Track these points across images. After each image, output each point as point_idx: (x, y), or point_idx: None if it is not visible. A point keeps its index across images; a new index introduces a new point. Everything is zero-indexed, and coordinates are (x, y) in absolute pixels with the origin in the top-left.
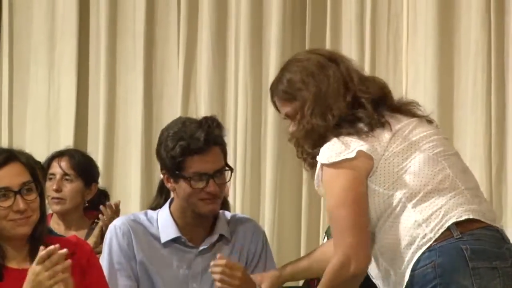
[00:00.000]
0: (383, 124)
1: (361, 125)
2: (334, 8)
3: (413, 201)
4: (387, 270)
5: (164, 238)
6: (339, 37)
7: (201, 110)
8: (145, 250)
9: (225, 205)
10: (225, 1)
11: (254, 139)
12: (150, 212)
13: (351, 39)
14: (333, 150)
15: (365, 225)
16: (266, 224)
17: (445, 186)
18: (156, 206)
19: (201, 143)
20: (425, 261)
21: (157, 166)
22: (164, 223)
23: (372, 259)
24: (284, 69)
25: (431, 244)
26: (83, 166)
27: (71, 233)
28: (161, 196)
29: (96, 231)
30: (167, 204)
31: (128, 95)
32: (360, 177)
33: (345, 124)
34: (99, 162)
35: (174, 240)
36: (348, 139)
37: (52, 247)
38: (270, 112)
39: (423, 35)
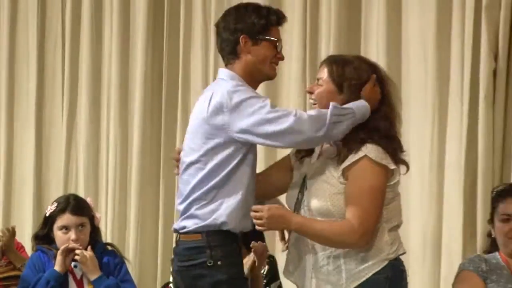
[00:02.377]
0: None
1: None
2: (184, 75)
3: (388, 226)
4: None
5: None
6: (188, 101)
7: (80, 155)
8: None
9: (97, 232)
10: (99, 70)
11: (122, 179)
12: None
13: (196, 99)
14: (381, 153)
15: (378, 221)
16: (131, 248)
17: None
18: (39, 234)
19: (285, 19)
20: (382, 273)
21: (46, 202)
22: None
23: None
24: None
25: (389, 261)
26: None
27: None
28: (45, 227)
29: None
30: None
31: (23, 148)
32: (385, 185)
33: (395, 141)
34: (0, 198)
35: None
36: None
37: None
38: (134, 158)
39: None
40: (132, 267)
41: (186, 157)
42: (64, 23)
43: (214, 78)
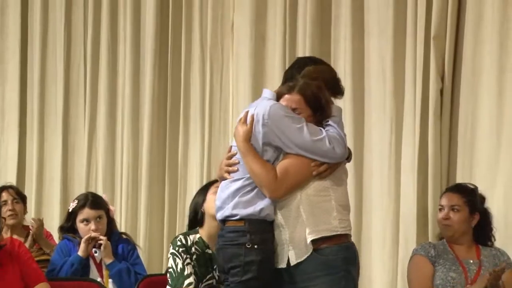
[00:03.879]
0: None
1: None
2: (185, 93)
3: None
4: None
5: None
6: (188, 115)
7: (99, 159)
8: None
9: (113, 223)
10: (115, 90)
11: (133, 179)
12: None
13: (196, 113)
14: None
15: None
16: (141, 236)
17: None
18: (64, 226)
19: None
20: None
21: (71, 198)
22: None
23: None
24: None
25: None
26: (23, 195)
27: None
28: (69, 221)
29: (29, 238)
30: None
31: (52, 152)
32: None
33: None
34: (33, 195)
35: None
36: None
37: None
38: (144, 161)
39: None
40: (142, 252)
41: None
42: (86, 49)
43: (210, 98)
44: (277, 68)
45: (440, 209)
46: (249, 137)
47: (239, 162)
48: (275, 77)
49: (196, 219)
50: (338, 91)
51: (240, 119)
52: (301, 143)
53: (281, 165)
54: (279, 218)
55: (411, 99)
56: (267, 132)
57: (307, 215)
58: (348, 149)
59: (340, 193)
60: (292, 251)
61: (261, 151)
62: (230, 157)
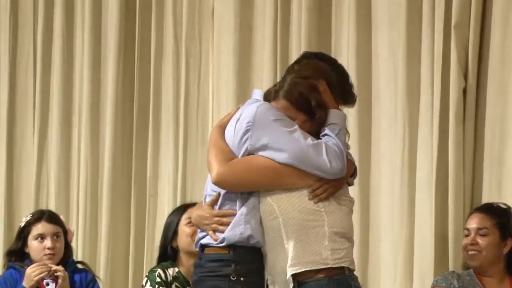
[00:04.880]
0: None
1: None
2: (155, 94)
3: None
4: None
5: None
6: (159, 119)
7: (51, 174)
8: None
9: (69, 250)
10: (71, 90)
11: (92, 197)
12: None
13: (168, 117)
14: None
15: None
16: (102, 266)
17: None
18: (13, 249)
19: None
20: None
21: (16, 221)
22: None
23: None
24: None
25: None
26: None
27: None
28: (19, 241)
29: None
30: None
31: None
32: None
33: None
34: None
35: None
36: None
37: None
38: (105, 176)
39: (224, 115)
40: (103, 285)
41: None
42: (36, 43)
43: (185, 100)
44: (267, 64)
45: (465, 235)
46: (223, 124)
47: (235, 213)
48: (263, 75)
49: (166, 256)
50: (346, 98)
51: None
52: (290, 148)
53: (247, 156)
54: (263, 242)
55: (427, 101)
56: (252, 140)
57: (291, 241)
58: (354, 165)
59: (338, 218)
60: (272, 286)
61: None
62: (214, 203)
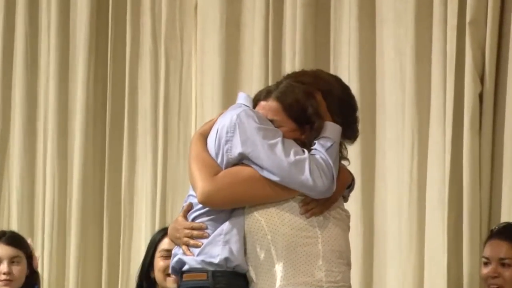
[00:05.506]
0: None
1: None
2: (131, 99)
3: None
4: None
5: None
6: (135, 127)
7: (13, 190)
8: None
9: (35, 277)
10: (35, 94)
11: (60, 216)
12: None
13: (146, 125)
14: None
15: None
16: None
17: None
18: None
19: None
20: None
21: None
22: None
23: None
24: None
25: None
26: None
27: None
28: None
29: None
30: None
31: None
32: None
33: None
34: None
35: None
36: None
37: None
38: (74, 192)
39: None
40: None
41: None
42: None
43: (165, 106)
44: (257, 66)
45: (484, 263)
46: (205, 132)
47: (206, 227)
48: (253, 78)
49: None
50: (346, 128)
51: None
52: (270, 165)
53: (232, 168)
54: (249, 265)
55: (439, 106)
56: (231, 152)
57: (280, 261)
58: (351, 175)
59: (333, 235)
60: None
61: None
62: (187, 212)
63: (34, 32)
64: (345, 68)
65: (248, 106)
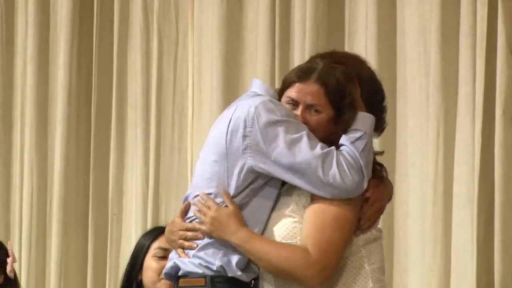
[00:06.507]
0: None
1: None
2: (119, 85)
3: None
4: None
5: None
6: (125, 117)
7: None
8: None
9: (9, 285)
10: (11, 81)
11: (40, 216)
12: None
13: (136, 115)
14: None
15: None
16: None
17: None
18: None
19: None
20: None
21: None
22: None
23: None
24: None
25: None
26: None
27: None
28: None
29: None
30: None
31: None
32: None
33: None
34: None
35: None
36: None
37: None
38: (56, 190)
39: (208, 112)
40: None
41: None
42: None
43: (157, 93)
44: (262, 46)
45: None
46: (239, 217)
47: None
48: (257, 59)
49: None
50: (378, 114)
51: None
52: (290, 162)
53: (308, 229)
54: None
55: (468, 92)
56: (252, 151)
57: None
58: (384, 169)
59: (375, 250)
60: None
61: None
62: (184, 213)
63: (9, 6)
64: (362, 49)
65: (263, 95)
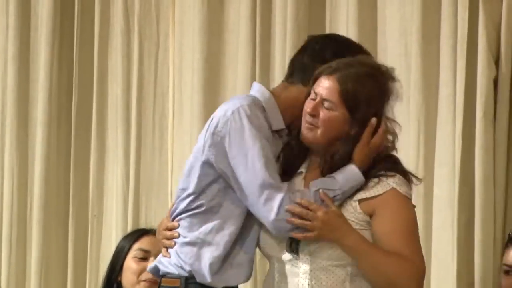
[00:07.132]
0: None
1: None
2: (100, 86)
3: None
4: None
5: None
6: (105, 118)
7: None
8: None
9: None
10: None
11: (20, 217)
12: None
13: (117, 116)
14: (409, 187)
15: None
16: None
17: None
18: None
19: None
20: None
21: None
22: None
23: None
24: None
25: None
26: None
27: None
28: None
29: None
30: None
31: None
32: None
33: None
34: None
35: None
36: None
37: None
38: (36, 190)
39: (189, 114)
40: None
41: None
42: None
43: (138, 94)
44: (243, 47)
45: (505, 271)
46: (345, 217)
47: (178, 226)
48: (238, 60)
49: None
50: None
51: None
52: (246, 179)
53: (397, 240)
54: None
55: (448, 94)
56: (214, 148)
57: None
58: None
59: None
60: None
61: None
62: (171, 212)
63: None
64: None
65: (259, 100)
